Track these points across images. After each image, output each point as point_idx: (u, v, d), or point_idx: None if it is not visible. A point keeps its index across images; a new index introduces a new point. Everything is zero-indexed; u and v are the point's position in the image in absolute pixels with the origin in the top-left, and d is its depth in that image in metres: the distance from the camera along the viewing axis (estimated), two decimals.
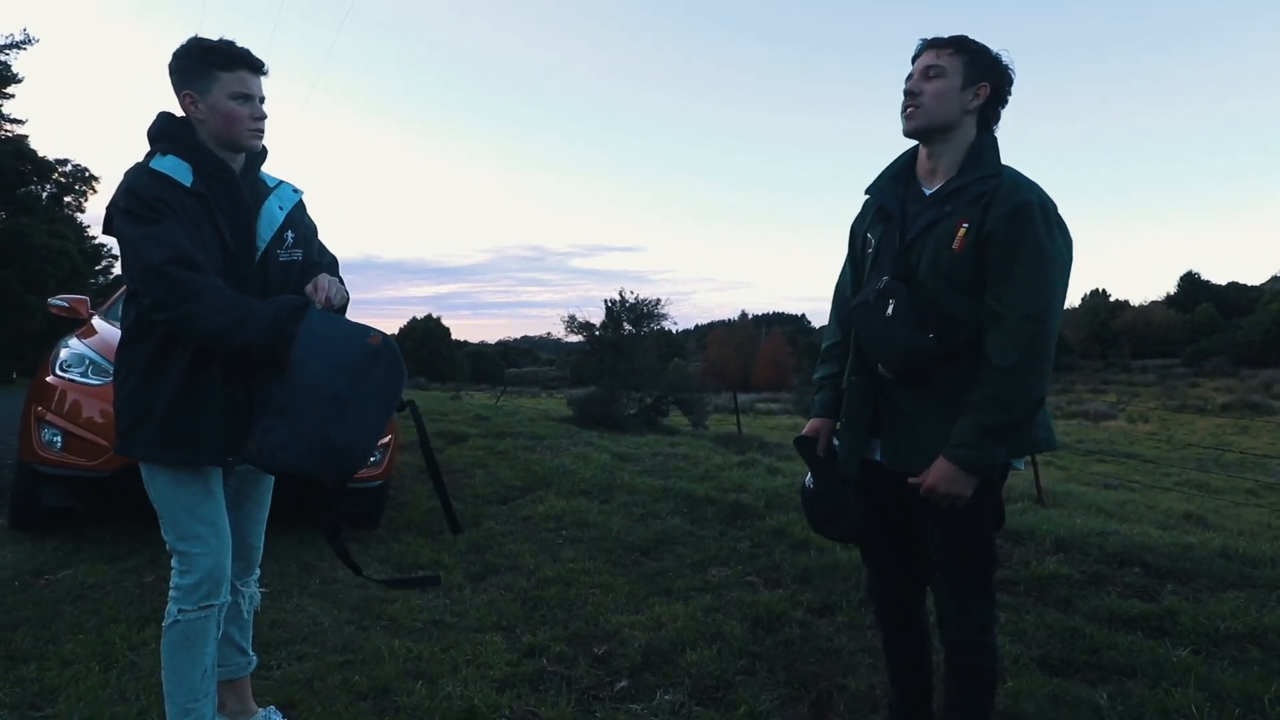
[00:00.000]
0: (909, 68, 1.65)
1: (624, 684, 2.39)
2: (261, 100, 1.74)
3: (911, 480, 1.59)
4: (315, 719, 2.07)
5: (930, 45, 1.62)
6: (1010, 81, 1.63)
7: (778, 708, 2.22)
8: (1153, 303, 71.20)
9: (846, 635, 2.75)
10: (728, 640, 2.66)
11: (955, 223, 1.54)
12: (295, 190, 1.91)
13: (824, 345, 1.89)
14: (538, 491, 5.10)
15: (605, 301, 12.36)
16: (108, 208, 1.68)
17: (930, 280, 1.56)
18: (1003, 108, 1.64)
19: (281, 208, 1.83)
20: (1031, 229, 1.49)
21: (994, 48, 1.62)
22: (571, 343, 14.65)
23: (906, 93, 1.60)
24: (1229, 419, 20.79)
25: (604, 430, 9.20)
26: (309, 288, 1.76)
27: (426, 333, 54.77)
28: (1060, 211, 1.56)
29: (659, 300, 12.22)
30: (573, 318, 12.39)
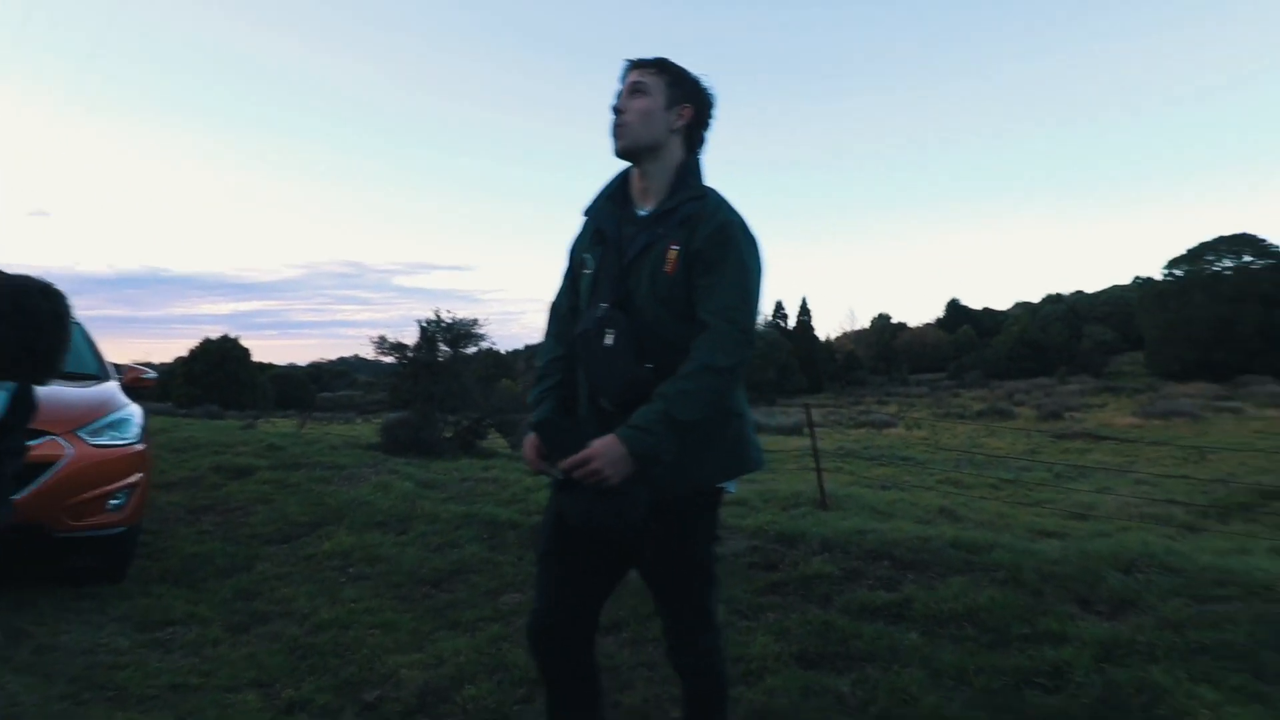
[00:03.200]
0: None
1: None
2: None
3: (565, 463, 1.44)
4: None
5: (635, 65, 1.61)
6: (711, 105, 1.65)
7: None
8: (926, 325, 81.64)
9: (629, 650, 2.81)
10: (509, 670, 2.61)
11: (667, 245, 1.54)
12: None
13: (542, 362, 1.75)
14: (327, 526, 4.72)
15: (419, 321, 11.85)
16: None
17: (649, 306, 1.54)
18: (706, 131, 1.66)
19: None
20: (735, 246, 1.53)
21: (694, 71, 1.64)
22: (388, 364, 13.88)
23: (614, 110, 1.59)
24: (982, 424, 24.30)
25: (415, 456, 8.76)
26: None
27: (222, 354, 49.13)
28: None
29: (475, 320, 11.93)
30: (383, 338, 11.71)
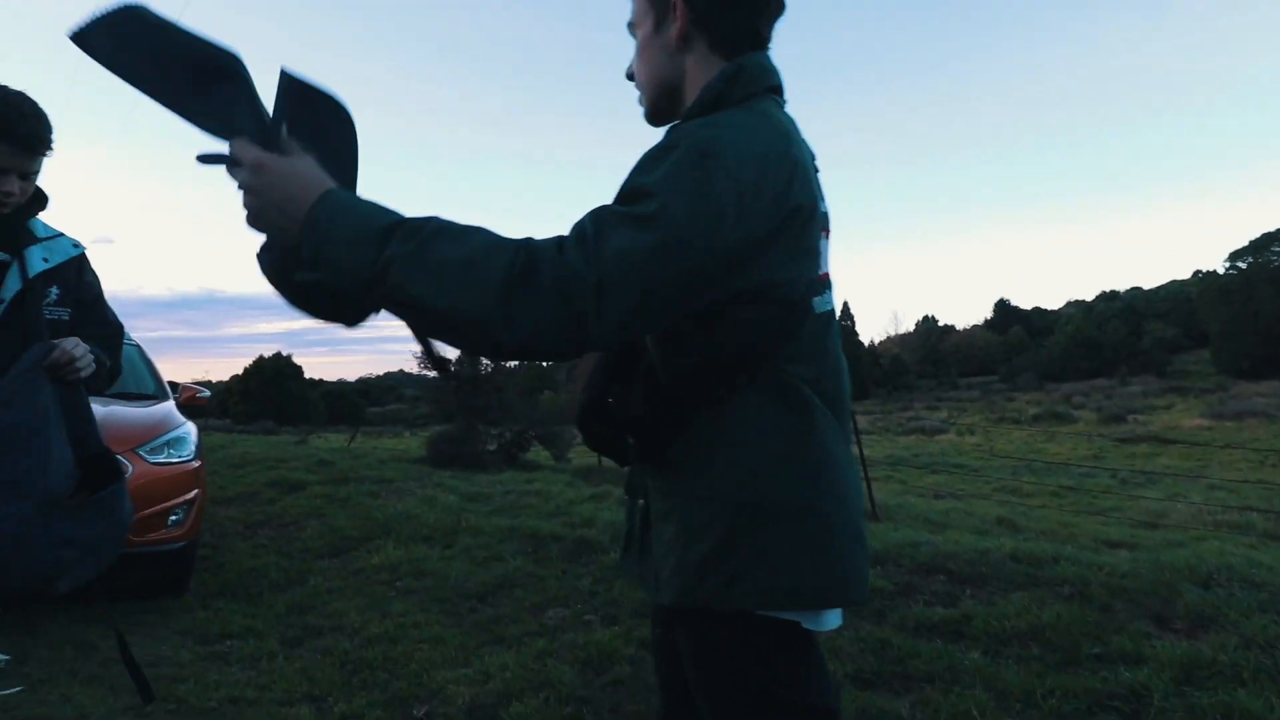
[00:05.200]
0: None
1: None
2: (23, 176, 1.58)
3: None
4: None
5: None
6: None
7: None
8: (974, 326, 79.64)
9: None
10: (556, 687, 2.59)
11: None
12: (75, 245, 1.78)
13: None
14: (376, 540, 4.79)
15: None
16: None
17: None
18: (737, 13, 0.99)
19: (46, 259, 1.70)
20: (678, 149, 0.88)
21: None
22: (432, 378, 14.13)
23: (628, 78, 1.10)
24: (1039, 429, 23.48)
25: (460, 469, 8.86)
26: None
27: (276, 372, 50.85)
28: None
29: None
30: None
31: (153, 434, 3.69)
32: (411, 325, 0.87)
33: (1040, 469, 13.81)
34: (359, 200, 0.86)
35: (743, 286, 0.86)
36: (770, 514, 0.91)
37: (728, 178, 0.82)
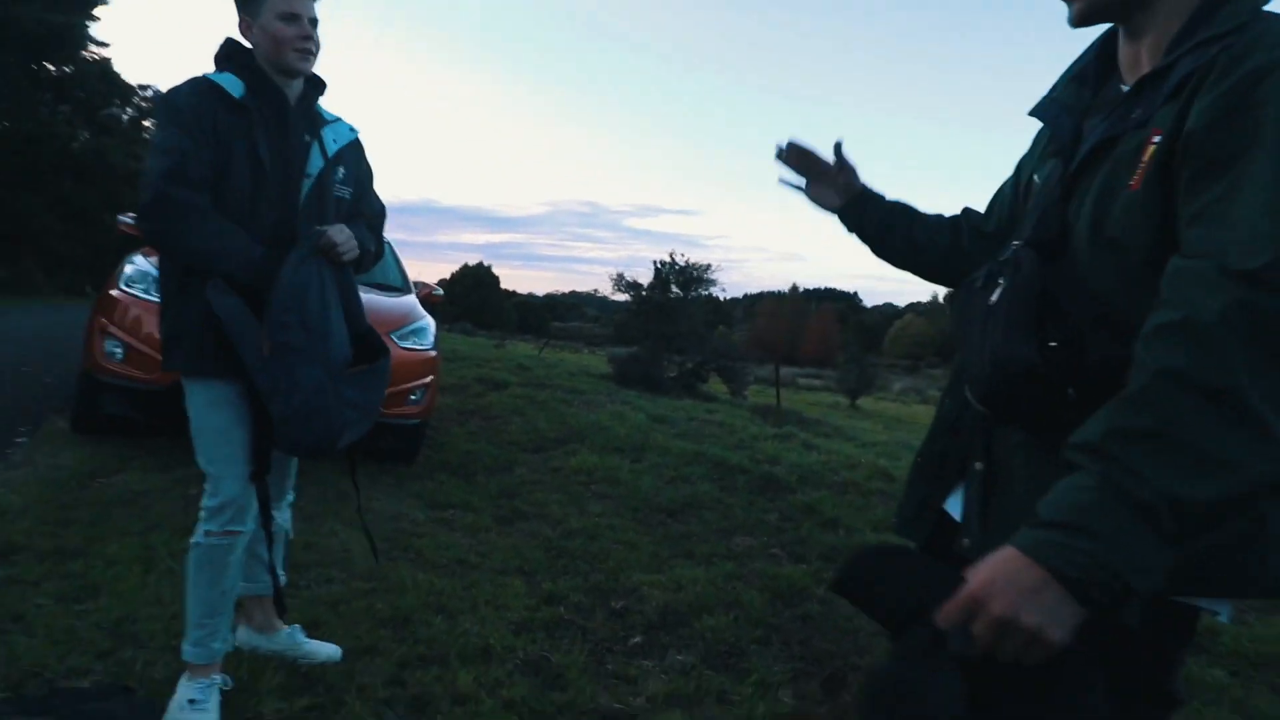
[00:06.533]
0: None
1: (638, 639, 2.40)
2: (313, 22, 1.72)
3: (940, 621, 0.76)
4: (336, 640, 2.13)
5: None
6: None
7: (789, 680, 2.21)
8: None
9: (865, 618, 2.70)
10: (745, 609, 2.65)
11: (1144, 136, 0.83)
12: (351, 129, 1.92)
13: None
14: (571, 444, 5.14)
15: (654, 263, 12.28)
16: None
17: (1088, 249, 0.87)
18: None
19: (335, 140, 1.85)
20: (1275, 108, 0.73)
21: None
22: (618, 302, 14.68)
23: None
24: None
25: (642, 391, 9.20)
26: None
27: (477, 280, 55.51)
28: None
29: (709, 266, 12.08)
30: (620, 276, 12.37)
31: (403, 322, 4.17)
32: None
33: None
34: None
35: None
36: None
37: None
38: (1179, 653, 0.87)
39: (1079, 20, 0.93)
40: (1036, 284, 0.87)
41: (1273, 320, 0.68)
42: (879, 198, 1.29)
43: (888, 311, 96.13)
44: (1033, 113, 1.05)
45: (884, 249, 1.27)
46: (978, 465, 0.95)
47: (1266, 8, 0.80)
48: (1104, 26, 0.97)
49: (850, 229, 1.29)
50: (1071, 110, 0.98)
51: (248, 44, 1.74)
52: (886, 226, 1.26)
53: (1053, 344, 0.83)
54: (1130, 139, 0.85)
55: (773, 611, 2.68)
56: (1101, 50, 0.99)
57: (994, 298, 0.91)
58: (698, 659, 2.29)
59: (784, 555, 3.31)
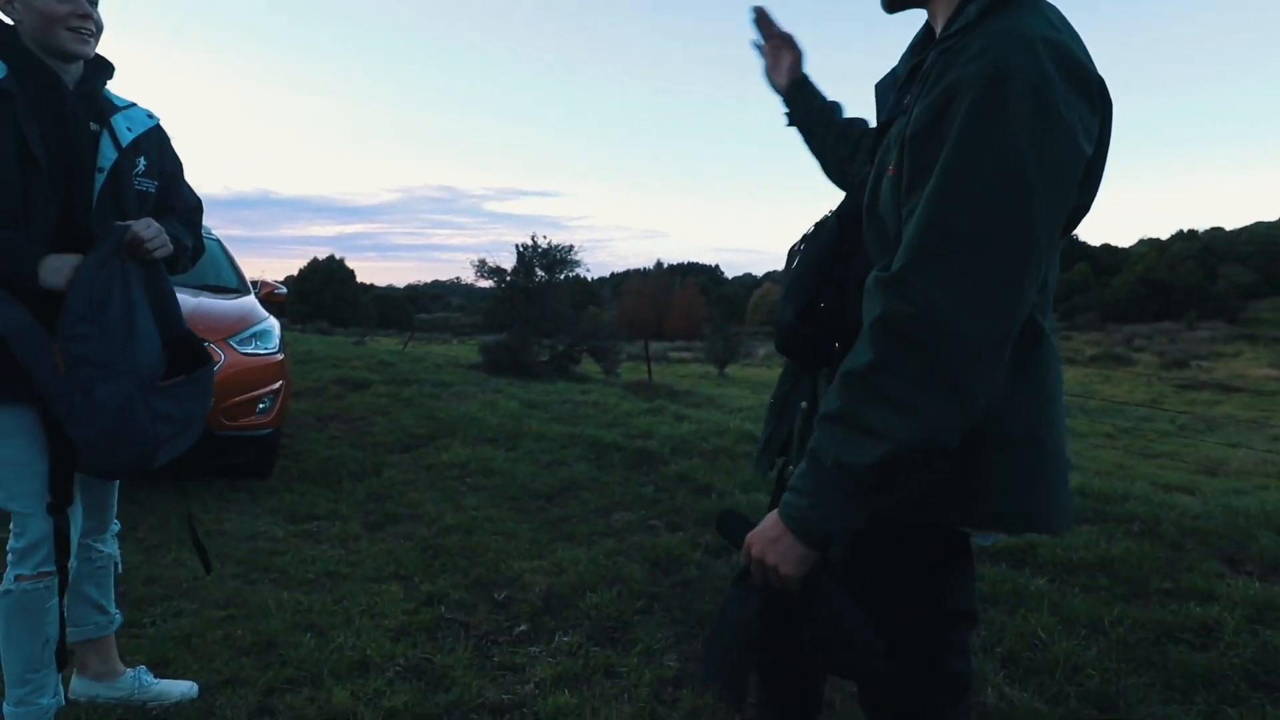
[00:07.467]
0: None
1: (523, 628, 2.40)
2: (92, 2, 1.53)
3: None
4: (191, 675, 1.97)
5: None
6: None
7: (672, 645, 2.30)
8: None
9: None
10: (627, 582, 2.72)
11: (904, 124, 0.91)
12: (150, 115, 1.72)
13: None
14: (442, 439, 5.00)
15: (517, 246, 12.08)
16: None
17: (866, 222, 0.98)
18: None
19: (130, 129, 1.65)
20: (967, 121, 0.80)
21: None
22: (484, 289, 14.33)
23: None
24: (1095, 369, 22.82)
25: (514, 378, 9.08)
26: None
27: (329, 275, 52.05)
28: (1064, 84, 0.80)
29: (572, 247, 12.06)
30: (483, 262, 12.07)
31: (241, 326, 3.85)
32: None
33: (1094, 409, 13.50)
34: None
35: None
36: (993, 443, 0.91)
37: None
38: (952, 571, 1.02)
39: (890, 5, 1.04)
40: (824, 253, 1.04)
41: (902, 320, 0.82)
42: (815, 94, 1.40)
43: (748, 281, 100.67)
44: (876, 86, 1.11)
45: (811, 147, 1.40)
46: (803, 404, 1.10)
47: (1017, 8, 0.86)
48: None
49: (791, 122, 1.42)
50: (895, 74, 1.06)
51: (9, 20, 1.52)
52: (809, 133, 1.39)
53: (822, 305, 1.02)
54: (899, 124, 0.93)
55: (653, 581, 2.76)
56: (928, 23, 1.05)
57: (793, 265, 1.09)
58: (584, 638, 2.33)
59: (661, 525, 3.41)
